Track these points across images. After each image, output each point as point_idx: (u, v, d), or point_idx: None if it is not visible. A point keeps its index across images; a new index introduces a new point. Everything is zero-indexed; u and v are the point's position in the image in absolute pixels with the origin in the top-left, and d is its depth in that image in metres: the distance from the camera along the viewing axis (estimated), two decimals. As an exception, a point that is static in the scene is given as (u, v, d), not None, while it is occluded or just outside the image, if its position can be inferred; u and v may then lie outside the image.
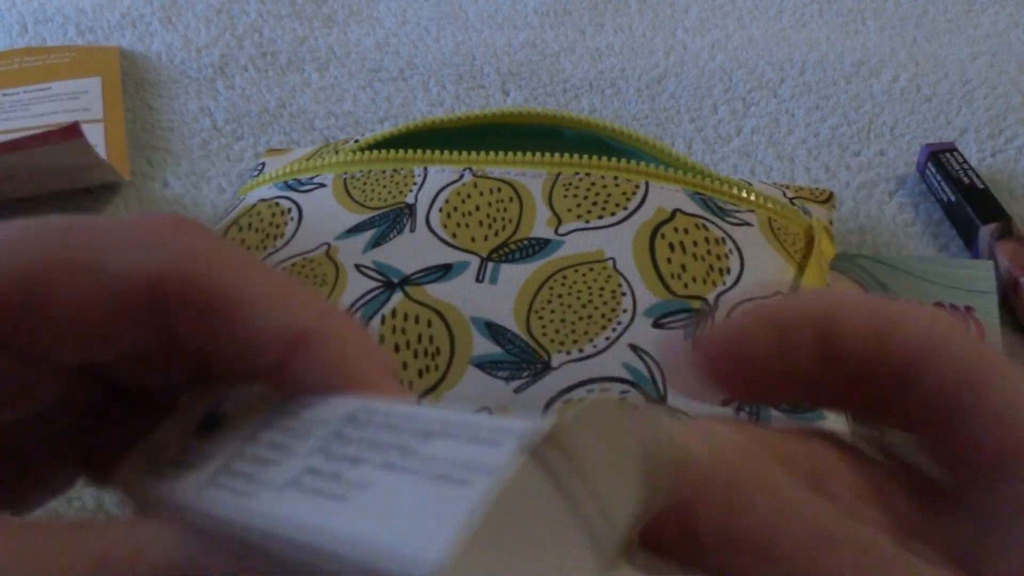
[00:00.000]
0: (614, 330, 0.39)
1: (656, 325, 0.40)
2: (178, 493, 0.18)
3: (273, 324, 0.17)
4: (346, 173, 0.46)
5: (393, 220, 0.45)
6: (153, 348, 0.19)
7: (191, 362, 0.19)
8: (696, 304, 0.41)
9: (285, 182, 0.47)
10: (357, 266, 0.43)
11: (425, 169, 0.45)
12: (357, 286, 0.42)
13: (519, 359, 0.39)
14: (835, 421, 0.39)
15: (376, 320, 0.41)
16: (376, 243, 0.44)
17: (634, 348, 0.39)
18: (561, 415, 0.13)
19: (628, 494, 0.14)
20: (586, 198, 0.43)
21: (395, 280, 0.42)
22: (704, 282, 0.41)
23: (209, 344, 0.18)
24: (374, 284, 0.42)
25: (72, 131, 0.51)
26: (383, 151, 0.46)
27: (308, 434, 0.17)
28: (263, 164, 0.51)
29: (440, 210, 0.44)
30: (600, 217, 0.42)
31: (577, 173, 0.44)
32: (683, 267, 0.42)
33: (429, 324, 0.41)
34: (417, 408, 0.17)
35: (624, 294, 0.41)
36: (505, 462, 0.13)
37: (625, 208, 0.43)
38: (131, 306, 0.18)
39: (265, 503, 0.16)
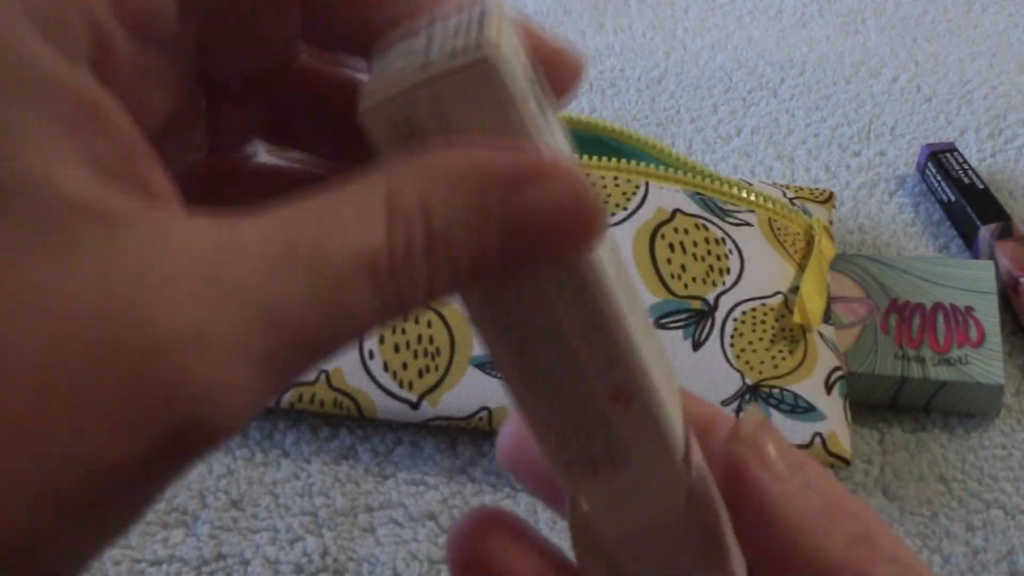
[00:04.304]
0: (614, 330, 0.39)
1: (656, 325, 0.40)
2: None
3: None
4: (346, 173, 0.46)
5: (393, 220, 0.45)
6: None
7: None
8: (696, 304, 0.41)
9: (285, 182, 0.47)
10: (357, 266, 0.43)
11: (425, 169, 0.45)
12: (357, 286, 0.42)
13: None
14: (835, 421, 0.39)
15: (376, 320, 0.41)
16: (376, 243, 0.44)
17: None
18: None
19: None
20: (586, 198, 0.43)
21: (395, 280, 0.42)
22: (704, 282, 0.41)
23: None
24: (374, 284, 0.42)
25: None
26: (383, 151, 0.46)
27: None
28: (263, 164, 0.51)
29: (440, 210, 0.44)
30: (600, 217, 0.42)
31: (577, 173, 0.44)
32: (683, 267, 0.42)
33: (429, 324, 0.41)
34: None
35: (624, 294, 0.41)
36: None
37: (625, 208, 0.43)
38: None
39: None
